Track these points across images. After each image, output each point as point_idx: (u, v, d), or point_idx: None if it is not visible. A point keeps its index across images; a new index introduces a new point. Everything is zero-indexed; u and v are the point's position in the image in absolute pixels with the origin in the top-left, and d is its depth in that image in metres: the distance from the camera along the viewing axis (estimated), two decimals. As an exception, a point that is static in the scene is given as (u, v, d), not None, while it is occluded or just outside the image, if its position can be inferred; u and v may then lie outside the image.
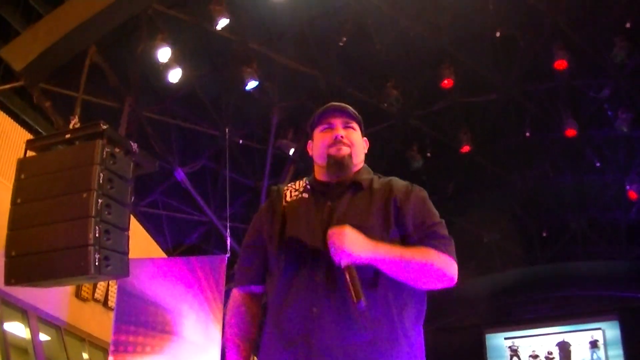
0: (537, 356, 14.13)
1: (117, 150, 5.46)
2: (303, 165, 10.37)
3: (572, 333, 14.08)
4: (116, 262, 5.22)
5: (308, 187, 2.69)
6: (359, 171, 2.68)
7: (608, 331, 13.89)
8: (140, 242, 9.70)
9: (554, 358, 14.01)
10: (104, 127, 5.41)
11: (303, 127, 10.85)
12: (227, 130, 10.00)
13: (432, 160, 11.88)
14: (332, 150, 2.63)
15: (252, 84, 9.67)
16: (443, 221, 2.60)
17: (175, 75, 9.20)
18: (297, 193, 2.68)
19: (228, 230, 9.18)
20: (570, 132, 10.68)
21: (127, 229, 5.46)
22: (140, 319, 7.75)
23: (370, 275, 2.42)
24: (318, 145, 2.70)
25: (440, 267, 2.48)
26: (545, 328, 14.25)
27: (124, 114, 9.24)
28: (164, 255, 10.25)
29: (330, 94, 10.50)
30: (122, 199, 5.39)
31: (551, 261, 13.70)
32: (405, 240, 2.51)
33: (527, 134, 11.50)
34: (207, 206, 10.41)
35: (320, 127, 2.71)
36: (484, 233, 13.25)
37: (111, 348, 7.61)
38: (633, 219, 12.56)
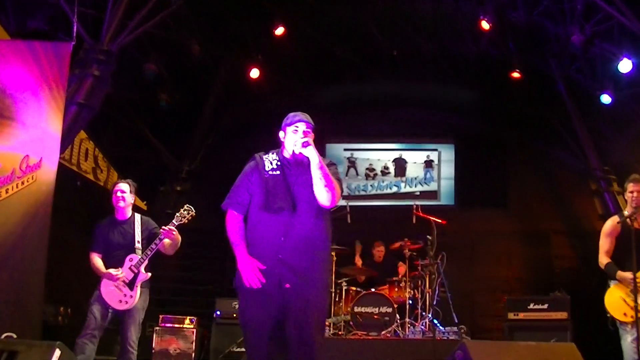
0: (373, 169, 14.78)
1: None
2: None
3: (409, 151, 14.78)
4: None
5: (279, 163, 4.67)
6: None
7: (444, 153, 14.68)
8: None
9: (389, 173, 14.72)
10: None
11: None
12: None
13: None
14: (296, 150, 4.59)
15: None
16: (341, 180, 4.73)
17: None
18: (272, 167, 4.66)
19: (75, 16, 8.74)
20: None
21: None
22: (-23, 102, 7.44)
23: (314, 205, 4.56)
24: (288, 139, 4.69)
25: (337, 184, 4.57)
26: (384, 144, 14.84)
27: None
28: (6, 36, 9.68)
29: None
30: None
31: (397, 80, 14.00)
32: None
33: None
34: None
35: (290, 127, 4.67)
36: (336, 45, 13.26)
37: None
38: (483, 50, 12.94)
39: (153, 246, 6.54)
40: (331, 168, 4.63)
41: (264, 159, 4.74)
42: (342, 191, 4.63)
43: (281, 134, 4.75)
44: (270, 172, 4.64)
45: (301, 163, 4.62)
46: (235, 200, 4.73)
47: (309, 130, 4.63)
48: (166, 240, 6.59)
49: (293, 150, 4.62)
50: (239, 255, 4.58)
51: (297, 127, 4.65)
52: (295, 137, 4.61)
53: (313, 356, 4.37)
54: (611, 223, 6.77)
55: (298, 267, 4.46)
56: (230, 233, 4.69)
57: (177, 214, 6.47)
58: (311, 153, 4.49)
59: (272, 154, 4.78)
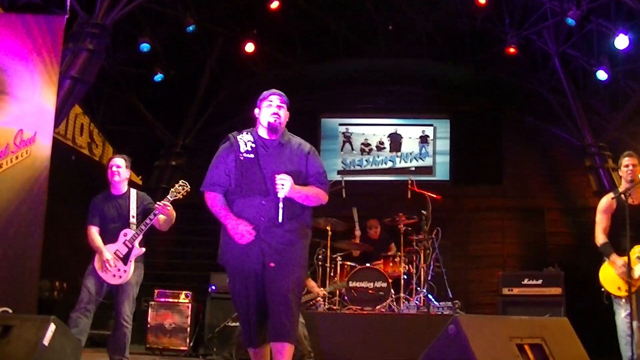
0: (369, 144, 14.75)
1: None
2: None
3: (405, 126, 14.75)
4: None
5: (253, 145, 4.79)
6: (282, 133, 4.89)
7: (439, 128, 14.66)
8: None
9: (385, 148, 14.71)
10: None
11: None
12: None
13: None
14: (271, 120, 4.79)
15: None
16: (325, 170, 4.98)
17: None
18: (246, 148, 4.77)
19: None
20: None
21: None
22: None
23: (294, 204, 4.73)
24: (262, 113, 4.85)
25: (321, 198, 4.88)
26: (380, 119, 14.80)
27: None
28: (-1, 10, 9.60)
29: None
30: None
31: (393, 56, 13.96)
32: (307, 177, 4.83)
33: None
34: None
35: (265, 102, 4.85)
36: (330, 20, 13.20)
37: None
38: (478, 26, 12.88)
39: (147, 221, 6.53)
40: (311, 160, 4.90)
41: (239, 139, 4.84)
42: (327, 183, 4.95)
43: (256, 110, 4.89)
44: (244, 155, 4.77)
45: (276, 143, 4.84)
46: (212, 182, 4.85)
47: (281, 105, 4.86)
48: (161, 216, 6.58)
49: (268, 126, 4.80)
50: (226, 219, 4.76)
51: (270, 101, 4.84)
52: (269, 110, 4.80)
53: (289, 327, 4.62)
54: (606, 200, 6.78)
55: (278, 245, 4.68)
56: (213, 208, 4.85)
57: (172, 190, 6.45)
58: (287, 193, 4.62)
59: (247, 134, 4.89)
